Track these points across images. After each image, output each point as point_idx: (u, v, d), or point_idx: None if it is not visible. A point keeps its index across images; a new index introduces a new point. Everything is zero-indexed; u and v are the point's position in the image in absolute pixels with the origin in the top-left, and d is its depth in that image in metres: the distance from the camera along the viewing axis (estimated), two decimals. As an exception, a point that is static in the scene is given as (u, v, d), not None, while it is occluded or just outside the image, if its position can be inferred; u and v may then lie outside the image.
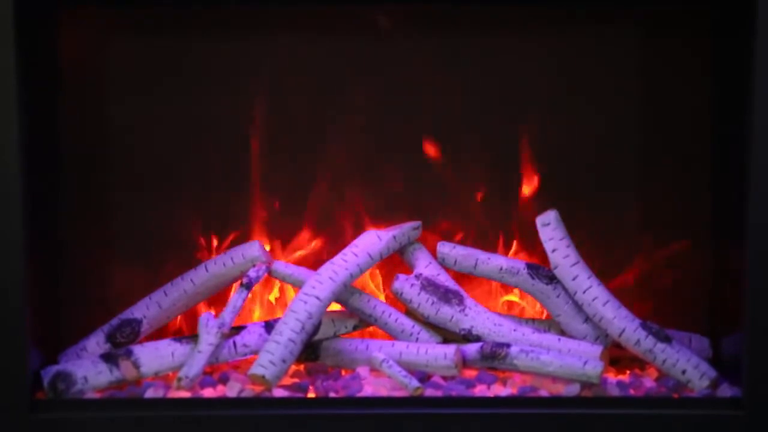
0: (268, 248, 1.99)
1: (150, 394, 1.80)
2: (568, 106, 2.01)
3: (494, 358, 1.83)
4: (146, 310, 1.93)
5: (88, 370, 1.82)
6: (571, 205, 1.96)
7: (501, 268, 1.92)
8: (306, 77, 2.00)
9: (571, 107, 2.01)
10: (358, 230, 1.98)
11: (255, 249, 1.93)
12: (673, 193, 2.01)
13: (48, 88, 1.91)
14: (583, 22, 1.99)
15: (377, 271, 2.02)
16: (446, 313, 1.91)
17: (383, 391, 1.81)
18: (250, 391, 1.80)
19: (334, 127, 2.01)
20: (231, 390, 1.80)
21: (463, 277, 1.97)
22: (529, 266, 1.91)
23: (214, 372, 1.88)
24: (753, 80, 1.71)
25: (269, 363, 1.78)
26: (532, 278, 1.91)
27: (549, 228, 1.89)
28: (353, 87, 2.00)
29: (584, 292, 1.87)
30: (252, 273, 1.89)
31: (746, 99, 1.73)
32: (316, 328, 1.87)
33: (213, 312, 1.92)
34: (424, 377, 1.84)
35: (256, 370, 1.78)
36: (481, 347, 1.85)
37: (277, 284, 2.02)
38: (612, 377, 1.87)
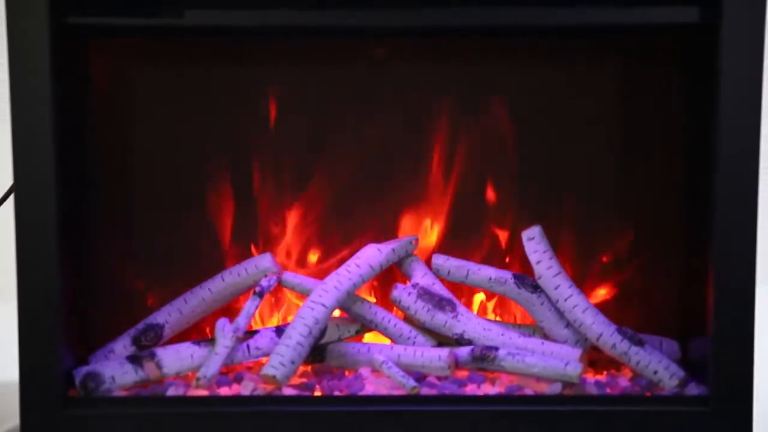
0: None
1: (171, 392, 1.84)
2: (550, 130, 2.01)
3: (484, 360, 1.87)
4: (168, 316, 1.96)
5: (116, 370, 1.85)
6: (552, 220, 1.99)
7: (490, 278, 1.94)
8: (322, 104, 2.01)
9: (553, 131, 2.01)
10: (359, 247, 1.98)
11: (267, 260, 1.95)
12: (647, 206, 2.01)
13: (79, 113, 1.92)
14: (564, 52, 1.99)
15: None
16: (440, 319, 1.94)
17: (383, 390, 1.84)
18: (263, 389, 1.82)
19: (343, 152, 2.03)
20: (245, 389, 1.83)
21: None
22: (515, 276, 1.93)
23: (229, 372, 1.90)
24: (718, 108, 1.73)
25: (280, 364, 1.81)
26: (518, 287, 1.93)
27: (534, 242, 1.91)
28: (358, 114, 2.02)
29: (565, 300, 1.90)
30: (264, 282, 1.92)
31: (712, 124, 1.75)
32: (323, 333, 1.90)
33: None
34: (420, 377, 1.87)
35: (267, 370, 1.81)
36: (472, 350, 1.88)
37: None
38: (590, 377, 1.89)
